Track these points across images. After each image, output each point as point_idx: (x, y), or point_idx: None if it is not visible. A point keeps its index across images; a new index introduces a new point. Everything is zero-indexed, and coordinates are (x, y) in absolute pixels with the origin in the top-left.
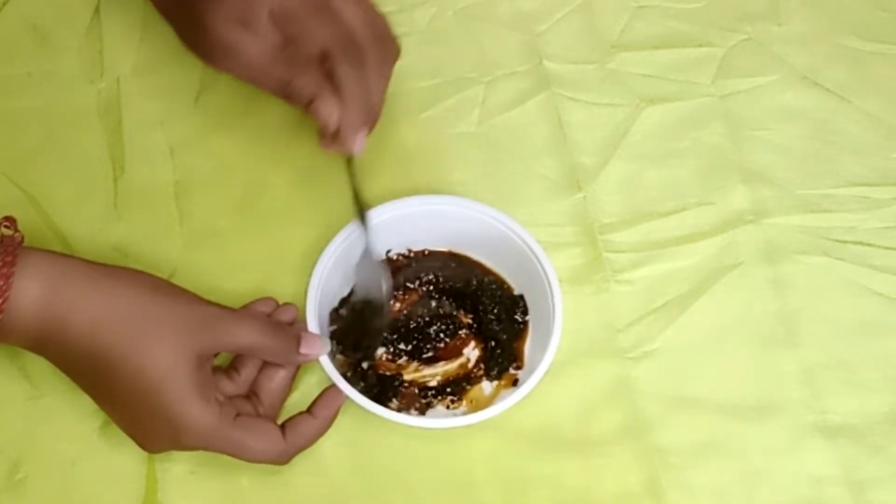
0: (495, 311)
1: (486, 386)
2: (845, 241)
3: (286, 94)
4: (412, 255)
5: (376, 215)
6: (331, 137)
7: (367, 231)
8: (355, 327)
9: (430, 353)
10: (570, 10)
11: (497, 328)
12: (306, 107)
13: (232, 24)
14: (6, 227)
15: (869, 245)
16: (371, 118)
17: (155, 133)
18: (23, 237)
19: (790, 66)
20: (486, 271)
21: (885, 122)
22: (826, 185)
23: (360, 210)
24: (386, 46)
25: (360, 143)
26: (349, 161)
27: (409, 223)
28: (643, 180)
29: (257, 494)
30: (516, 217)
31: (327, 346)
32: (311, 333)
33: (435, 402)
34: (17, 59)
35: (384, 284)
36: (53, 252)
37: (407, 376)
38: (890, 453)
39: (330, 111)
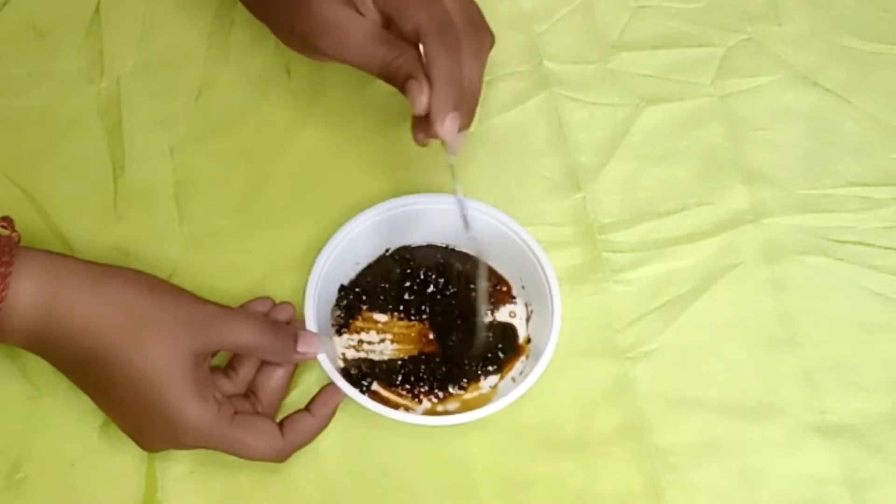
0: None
1: (484, 384)
2: (845, 241)
3: (387, 73)
4: (410, 255)
5: (375, 213)
6: (422, 125)
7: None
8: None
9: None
10: (570, 10)
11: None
12: (402, 87)
13: (335, 3)
14: (3, 226)
15: (869, 245)
16: (467, 106)
17: (155, 133)
18: (20, 237)
19: (790, 66)
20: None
21: (885, 122)
22: (826, 185)
23: (458, 201)
24: (482, 35)
25: (450, 127)
26: (451, 169)
27: (408, 221)
28: (643, 180)
29: (256, 494)
30: (516, 217)
31: (325, 344)
32: (309, 332)
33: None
34: (17, 59)
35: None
36: (50, 252)
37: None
38: (890, 453)
39: (418, 93)
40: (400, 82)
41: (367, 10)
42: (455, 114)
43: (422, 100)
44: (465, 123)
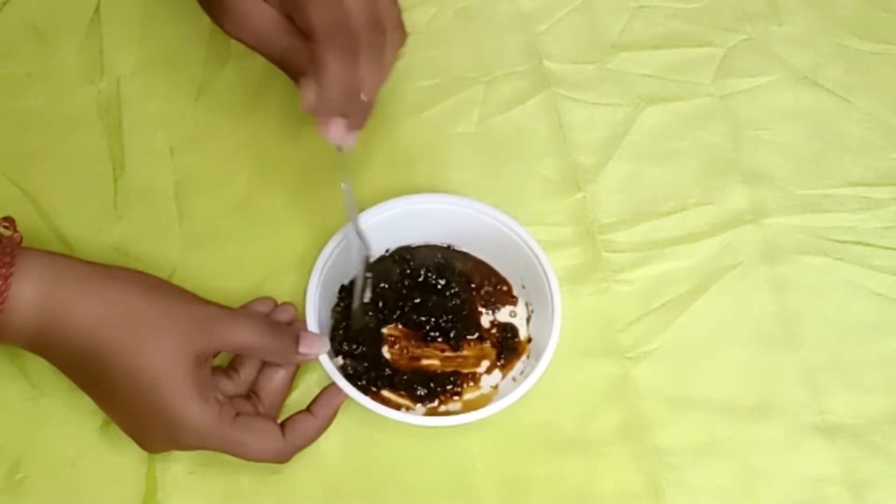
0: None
1: (484, 384)
2: (845, 241)
3: (283, 64)
4: (409, 255)
5: (375, 213)
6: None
7: (355, 225)
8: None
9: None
10: (570, 10)
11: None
12: (296, 80)
13: None
14: (5, 227)
15: (869, 245)
16: (357, 109)
17: (155, 133)
18: (21, 237)
19: (790, 66)
20: (485, 268)
21: (885, 122)
22: (826, 185)
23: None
24: (383, 35)
25: (334, 131)
26: (338, 152)
27: (407, 221)
28: (643, 180)
29: (257, 494)
30: (516, 217)
31: (326, 345)
32: (310, 333)
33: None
34: (17, 59)
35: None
36: (52, 252)
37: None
38: (890, 453)
39: (306, 93)
40: (293, 76)
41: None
42: (340, 119)
43: (308, 102)
44: (356, 124)
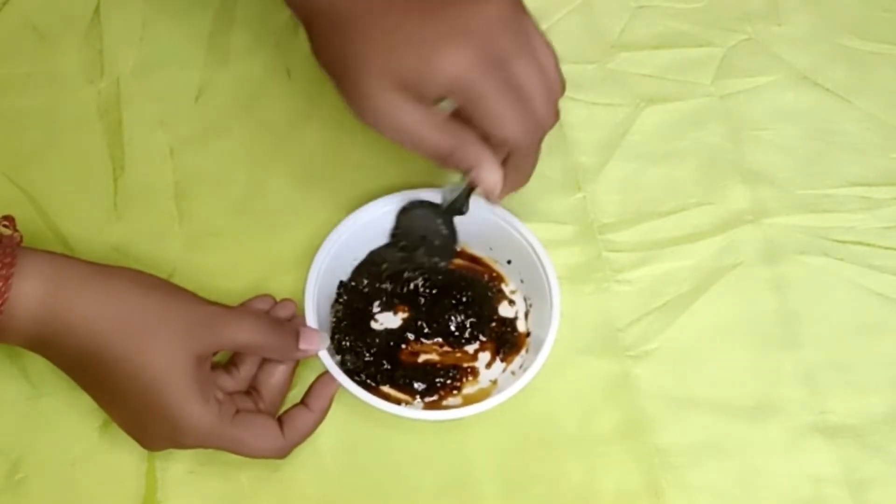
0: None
1: (483, 378)
2: (845, 241)
3: (444, 161)
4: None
5: (375, 208)
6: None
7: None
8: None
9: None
10: (570, 10)
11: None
12: (466, 171)
13: (390, 90)
14: (5, 226)
15: (869, 245)
16: (525, 182)
17: (155, 133)
18: (21, 237)
19: (790, 66)
20: (484, 266)
21: (885, 122)
22: (826, 185)
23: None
24: (555, 116)
25: (498, 201)
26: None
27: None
28: (643, 180)
29: (257, 493)
30: (516, 216)
31: (326, 340)
32: (310, 329)
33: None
34: (17, 59)
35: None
36: (52, 252)
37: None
38: (890, 453)
39: (494, 183)
40: (462, 170)
41: (427, 98)
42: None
43: (496, 190)
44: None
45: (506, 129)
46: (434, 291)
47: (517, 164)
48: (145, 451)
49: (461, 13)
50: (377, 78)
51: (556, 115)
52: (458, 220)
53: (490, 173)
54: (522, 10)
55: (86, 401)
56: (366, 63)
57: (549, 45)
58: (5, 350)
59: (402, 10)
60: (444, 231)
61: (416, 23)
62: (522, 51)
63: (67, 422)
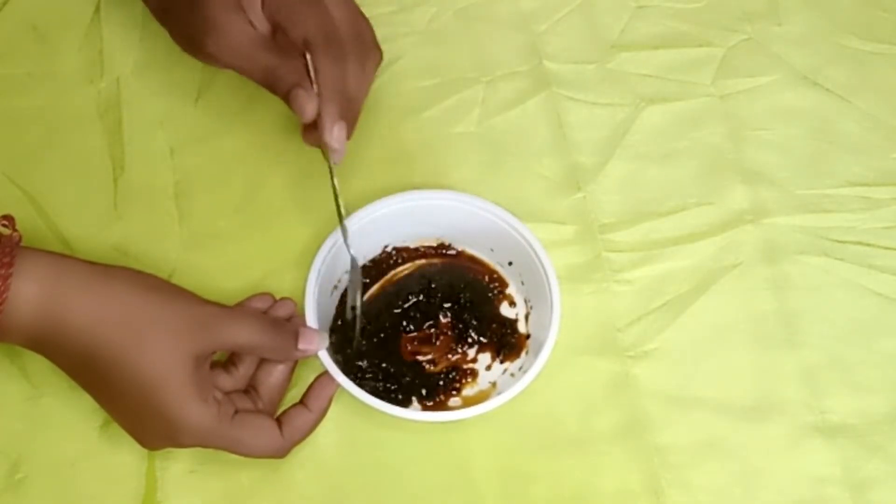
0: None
1: (483, 380)
2: (845, 241)
3: (270, 82)
4: (406, 253)
5: (374, 209)
6: (310, 131)
7: (345, 236)
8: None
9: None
10: (570, 10)
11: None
12: (285, 96)
13: (229, 6)
14: (4, 225)
15: (869, 245)
16: (350, 115)
17: (155, 133)
18: (21, 236)
19: (790, 66)
20: (484, 267)
21: (885, 122)
22: (826, 185)
23: (340, 216)
24: (368, 49)
25: (337, 135)
26: (330, 168)
27: (407, 218)
28: (643, 180)
29: (257, 492)
30: (516, 216)
31: (325, 340)
32: (310, 329)
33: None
34: (17, 59)
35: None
36: (51, 252)
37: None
38: (890, 453)
39: (306, 101)
40: (283, 91)
41: (256, 18)
42: (342, 123)
43: (310, 108)
44: (349, 133)
45: (300, 25)
46: (434, 295)
47: (321, 76)
48: (145, 451)
49: None
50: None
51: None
52: (458, 221)
53: (303, 91)
54: None
55: (86, 401)
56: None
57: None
58: (5, 350)
59: None
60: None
61: None
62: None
63: (67, 422)
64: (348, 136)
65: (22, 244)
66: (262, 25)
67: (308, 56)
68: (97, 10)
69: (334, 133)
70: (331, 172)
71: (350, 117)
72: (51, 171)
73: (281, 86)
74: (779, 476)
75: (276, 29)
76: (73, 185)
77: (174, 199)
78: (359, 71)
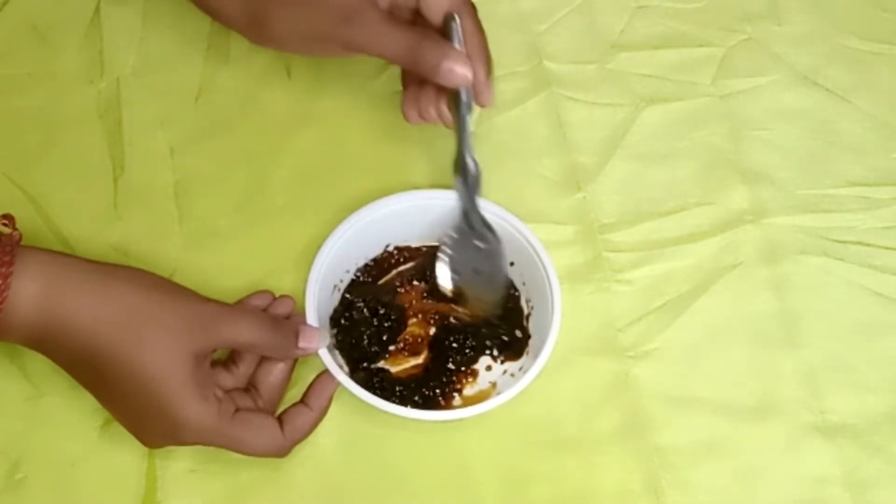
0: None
1: (483, 380)
2: (845, 241)
3: (413, 59)
4: (408, 253)
5: (375, 209)
6: (412, 104)
7: (469, 190)
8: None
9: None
10: (570, 10)
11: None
12: (434, 69)
13: None
14: (4, 224)
15: (869, 245)
16: (492, 69)
17: (155, 133)
18: (21, 235)
19: (790, 66)
20: None
21: (885, 122)
22: (826, 185)
23: (468, 164)
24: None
25: (491, 94)
26: (463, 112)
27: (408, 218)
28: (643, 180)
29: (257, 491)
30: (516, 215)
31: (326, 338)
32: (310, 327)
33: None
34: (17, 59)
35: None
36: (51, 251)
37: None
38: (890, 453)
39: (467, 69)
40: (431, 64)
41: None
42: (490, 81)
43: (466, 75)
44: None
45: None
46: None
47: (470, 38)
48: (145, 451)
49: None
50: None
51: None
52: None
53: (458, 61)
54: None
55: (86, 401)
56: None
57: None
58: (5, 350)
59: None
60: (483, 246)
61: None
62: None
63: (67, 422)
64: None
65: (22, 243)
66: (385, 6)
67: (454, 23)
68: (97, 10)
69: (489, 94)
70: (465, 126)
71: (491, 70)
72: (51, 171)
73: (429, 59)
74: (779, 476)
75: (397, 9)
76: (73, 185)
77: (174, 199)
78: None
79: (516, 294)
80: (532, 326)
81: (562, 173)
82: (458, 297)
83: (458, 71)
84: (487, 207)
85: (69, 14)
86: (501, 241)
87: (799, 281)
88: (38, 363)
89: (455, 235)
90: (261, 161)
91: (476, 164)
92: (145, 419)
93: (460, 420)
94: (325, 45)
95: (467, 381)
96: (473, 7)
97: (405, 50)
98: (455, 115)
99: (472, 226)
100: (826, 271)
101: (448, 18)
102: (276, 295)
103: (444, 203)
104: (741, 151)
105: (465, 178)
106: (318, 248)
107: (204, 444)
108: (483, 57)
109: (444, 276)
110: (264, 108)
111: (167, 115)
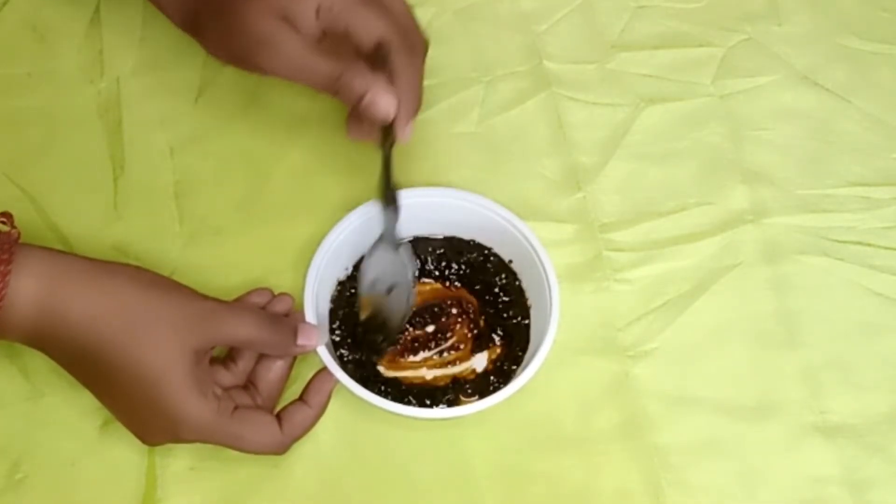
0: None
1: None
2: (845, 241)
3: (335, 88)
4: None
5: (373, 207)
6: (357, 124)
7: (390, 215)
8: (372, 322)
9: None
10: (570, 10)
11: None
12: (357, 100)
13: (273, 18)
14: (2, 222)
15: (869, 245)
16: (418, 106)
17: (155, 133)
18: (19, 233)
19: (790, 66)
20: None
21: (885, 122)
22: (826, 185)
23: (390, 193)
24: (421, 37)
25: (408, 132)
26: (387, 145)
27: (408, 215)
28: (643, 180)
29: (256, 488)
30: (516, 215)
31: (325, 336)
32: (309, 324)
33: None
34: (17, 59)
35: (409, 269)
36: (50, 248)
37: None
38: (890, 453)
39: (389, 103)
40: (354, 96)
41: (303, 25)
42: (412, 120)
43: (391, 112)
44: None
45: (372, 27)
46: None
47: (399, 73)
48: (145, 449)
49: None
50: (257, 10)
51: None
52: (458, 218)
53: (383, 93)
54: None
55: (85, 400)
56: (243, 9)
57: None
58: (5, 350)
59: None
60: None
61: None
62: None
63: (67, 421)
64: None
65: (20, 241)
66: (312, 31)
67: (384, 53)
68: (97, 10)
69: (407, 131)
70: (387, 159)
71: (418, 108)
72: (51, 171)
73: (350, 91)
74: (779, 476)
75: (328, 34)
76: (73, 185)
77: (174, 199)
78: (422, 62)
79: (518, 283)
80: (531, 324)
81: (562, 173)
82: (368, 306)
83: (379, 105)
84: (486, 204)
85: (69, 14)
86: (414, 266)
87: (799, 281)
88: (38, 363)
89: (375, 251)
90: (261, 160)
91: (396, 195)
92: (144, 417)
93: (459, 418)
94: (248, 67)
95: (465, 375)
96: (414, 42)
97: (325, 79)
98: (381, 145)
99: (393, 244)
100: (826, 271)
101: (378, 48)
102: (275, 293)
103: (441, 200)
104: (741, 151)
105: (387, 205)
106: (317, 245)
107: (203, 441)
108: (409, 94)
109: (366, 281)
110: (264, 108)
111: (167, 115)
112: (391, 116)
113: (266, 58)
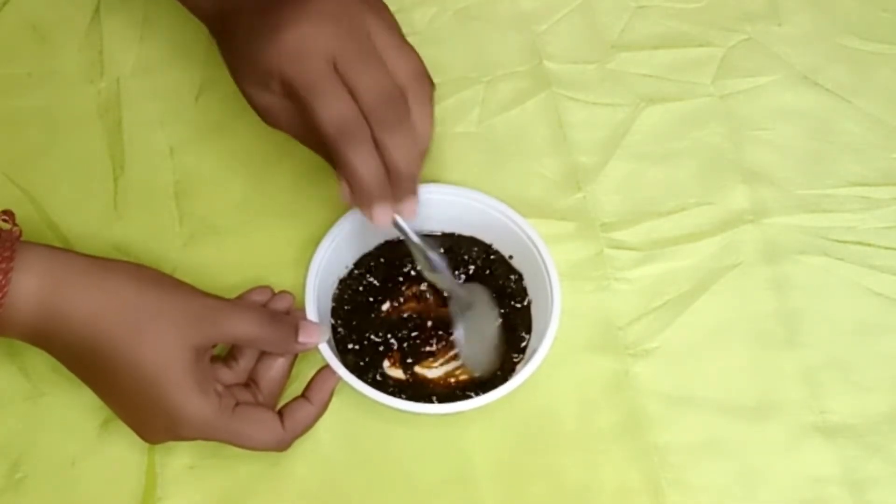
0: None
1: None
2: (845, 241)
3: (323, 155)
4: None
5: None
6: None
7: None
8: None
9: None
10: (570, 10)
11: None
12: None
13: (256, 87)
14: (4, 220)
15: (869, 245)
16: (402, 184)
17: (155, 133)
18: (20, 231)
19: (790, 66)
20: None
21: (885, 122)
22: (826, 185)
23: (428, 261)
24: (403, 101)
25: (379, 219)
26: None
27: None
28: (643, 180)
29: (256, 487)
30: (517, 211)
31: (326, 333)
32: (310, 322)
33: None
34: (17, 59)
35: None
36: (51, 246)
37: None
38: (890, 453)
39: (342, 189)
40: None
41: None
42: (382, 205)
43: (344, 196)
44: (404, 195)
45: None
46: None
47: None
48: (145, 448)
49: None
50: (246, 78)
51: (393, 107)
52: (459, 215)
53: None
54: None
55: (86, 399)
56: (236, 68)
57: (404, 47)
58: (5, 349)
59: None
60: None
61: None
62: (365, 54)
63: (67, 421)
64: (412, 193)
65: (22, 239)
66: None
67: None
68: (97, 10)
69: (375, 219)
70: (406, 236)
71: (402, 184)
72: (51, 171)
73: (331, 162)
74: (779, 476)
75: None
76: (73, 185)
77: (174, 199)
78: (399, 132)
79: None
80: (532, 321)
81: (562, 173)
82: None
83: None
84: (488, 202)
85: (69, 14)
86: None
87: (799, 281)
88: (38, 362)
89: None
90: (261, 160)
91: (440, 258)
92: (145, 414)
93: (460, 416)
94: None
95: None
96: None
97: (315, 147)
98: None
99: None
100: (826, 271)
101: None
102: (276, 291)
103: (440, 198)
104: (741, 151)
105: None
106: (318, 244)
107: (204, 438)
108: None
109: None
110: None
111: (167, 115)
112: (347, 201)
113: (268, 119)
